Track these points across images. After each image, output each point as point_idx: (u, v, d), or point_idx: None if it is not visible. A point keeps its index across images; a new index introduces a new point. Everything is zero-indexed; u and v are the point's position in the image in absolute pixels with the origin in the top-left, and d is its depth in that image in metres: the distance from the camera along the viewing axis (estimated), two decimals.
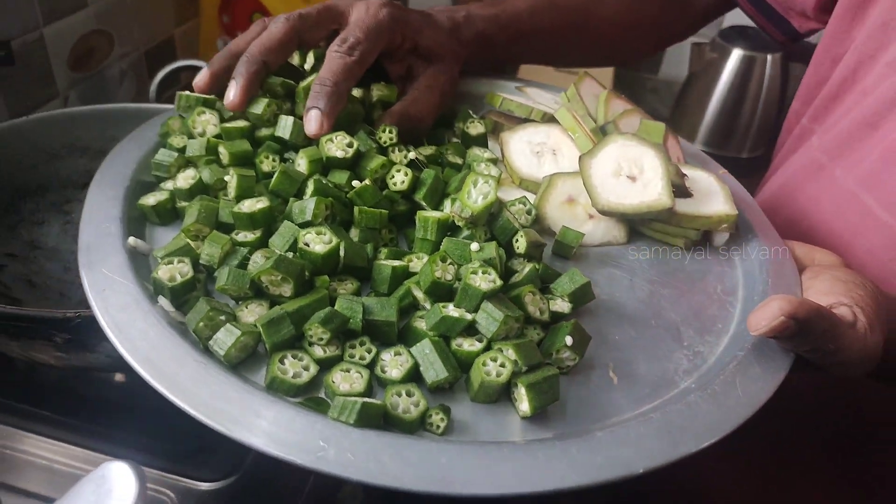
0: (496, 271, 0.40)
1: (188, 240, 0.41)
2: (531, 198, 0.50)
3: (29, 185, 0.61)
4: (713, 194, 0.53)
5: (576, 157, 0.54)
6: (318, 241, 0.40)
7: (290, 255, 0.40)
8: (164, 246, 0.41)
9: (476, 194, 0.44)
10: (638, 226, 0.52)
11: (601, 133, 0.55)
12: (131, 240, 0.42)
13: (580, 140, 0.54)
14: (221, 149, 0.48)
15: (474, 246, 0.42)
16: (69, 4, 0.83)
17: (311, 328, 0.37)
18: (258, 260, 0.40)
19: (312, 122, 0.46)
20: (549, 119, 0.57)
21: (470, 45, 0.60)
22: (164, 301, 0.38)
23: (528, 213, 0.48)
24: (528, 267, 0.43)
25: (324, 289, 0.39)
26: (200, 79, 0.50)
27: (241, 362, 0.37)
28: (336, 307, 0.38)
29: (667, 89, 1.52)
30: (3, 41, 0.72)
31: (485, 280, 0.39)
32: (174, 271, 0.39)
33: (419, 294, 0.41)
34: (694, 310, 0.46)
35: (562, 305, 0.42)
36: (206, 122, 0.49)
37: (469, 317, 0.38)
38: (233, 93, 0.48)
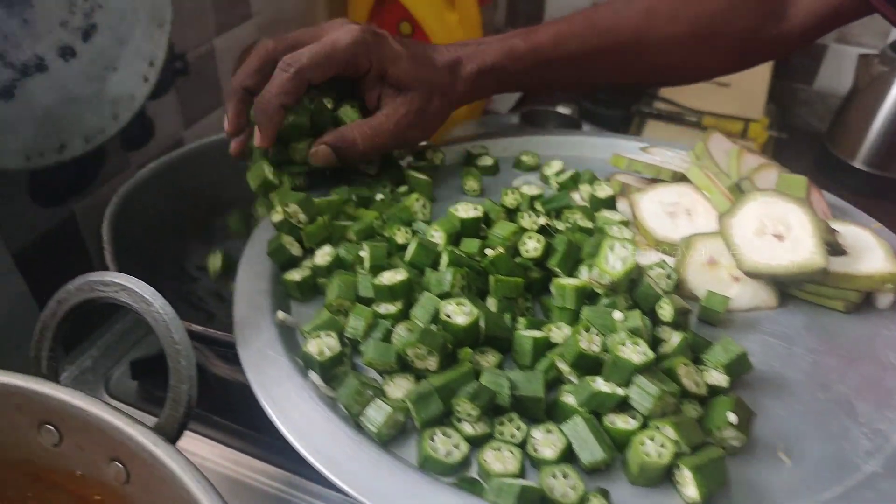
0: (646, 342, 0.38)
1: (331, 314, 0.43)
2: (669, 261, 0.48)
3: (221, 201, 0.64)
4: (871, 250, 0.49)
5: (712, 217, 0.52)
6: (460, 313, 0.40)
7: (433, 326, 0.40)
8: (310, 321, 0.43)
9: (614, 259, 0.43)
10: (789, 288, 0.48)
11: (738, 190, 0.52)
12: (280, 314, 0.43)
13: (716, 199, 0.52)
14: (349, 232, 0.49)
15: (618, 315, 0.40)
16: (238, 16, 0.87)
17: (460, 404, 0.36)
18: (401, 332, 0.41)
19: (255, 133, 0.52)
20: (680, 178, 0.55)
21: (472, 78, 0.58)
22: (314, 375, 0.39)
23: (668, 276, 0.46)
24: (677, 336, 0.41)
25: (468, 362, 0.39)
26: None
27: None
28: (482, 381, 0.37)
29: (821, 102, 1.40)
30: (180, 54, 0.77)
31: (635, 352, 0.37)
32: (322, 345, 0.40)
33: (564, 367, 0.39)
34: (866, 381, 0.42)
35: (718, 378, 0.39)
36: (294, 212, 0.49)
37: (621, 392, 0.37)
38: (225, 124, 0.53)
